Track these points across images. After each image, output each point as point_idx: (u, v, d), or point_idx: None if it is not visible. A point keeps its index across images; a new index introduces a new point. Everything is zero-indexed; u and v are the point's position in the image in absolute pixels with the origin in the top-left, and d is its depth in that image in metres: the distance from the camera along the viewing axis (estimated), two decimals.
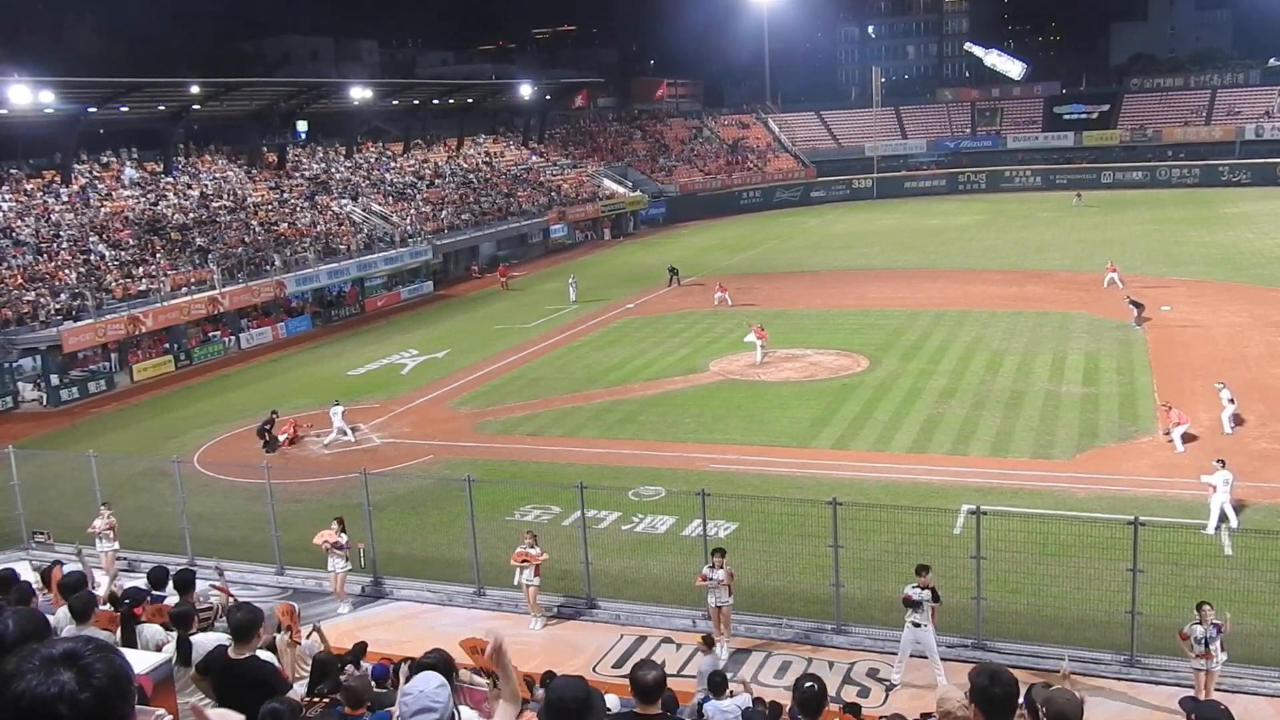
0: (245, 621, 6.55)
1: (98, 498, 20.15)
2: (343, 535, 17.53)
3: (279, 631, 10.93)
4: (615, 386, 31.73)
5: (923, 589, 13.73)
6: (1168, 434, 23.00)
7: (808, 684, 6.41)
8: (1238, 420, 23.89)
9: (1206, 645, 12.64)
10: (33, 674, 2.05)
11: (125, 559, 19.33)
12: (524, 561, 16.40)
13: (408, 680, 4.04)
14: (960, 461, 23.19)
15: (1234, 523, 18.43)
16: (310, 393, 30.40)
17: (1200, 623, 12.71)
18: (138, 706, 2.40)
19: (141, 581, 11.95)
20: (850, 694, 13.64)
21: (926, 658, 13.98)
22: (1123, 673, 14.11)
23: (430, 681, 3.97)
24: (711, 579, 15.10)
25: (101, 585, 16.00)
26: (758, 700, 10.96)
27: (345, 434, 27.53)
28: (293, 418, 28.67)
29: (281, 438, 27.49)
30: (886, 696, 13.85)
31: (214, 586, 12.50)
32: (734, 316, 40.93)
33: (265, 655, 7.75)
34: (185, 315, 40.64)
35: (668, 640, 15.87)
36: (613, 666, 14.84)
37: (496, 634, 4.07)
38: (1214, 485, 18.56)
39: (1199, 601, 13.01)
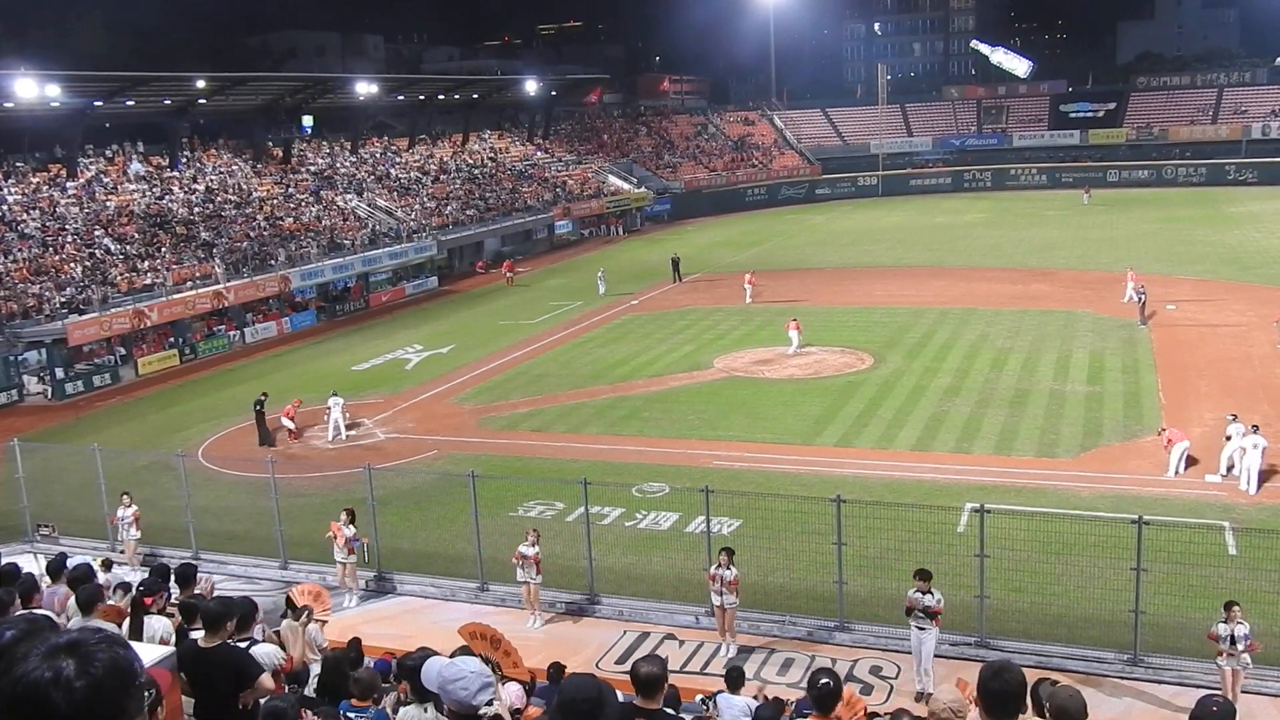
0: (216, 613, 6.63)
1: (103, 491, 20.21)
2: (350, 528, 17.56)
3: (284, 617, 10.95)
4: (619, 383, 31.74)
5: (924, 594, 13.67)
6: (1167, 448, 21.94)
7: (824, 680, 6.41)
8: (1265, 475, 20.39)
9: (1233, 642, 12.66)
10: (36, 659, 2.05)
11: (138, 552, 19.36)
12: (519, 561, 16.40)
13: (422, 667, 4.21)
14: (964, 460, 23.18)
15: (1253, 489, 19.80)
16: (315, 387, 30.45)
17: (1227, 621, 12.71)
18: None
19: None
20: (854, 691, 13.63)
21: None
22: (1126, 671, 14.11)
23: (470, 660, 4.11)
24: (719, 577, 15.06)
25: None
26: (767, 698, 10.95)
27: (339, 430, 27.47)
28: (297, 399, 28.65)
29: (286, 422, 27.43)
30: (890, 694, 13.85)
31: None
32: (741, 314, 40.94)
33: (272, 646, 7.79)
34: (190, 309, 40.69)
35: (671, 637, 15.88)
36: (616, 663, 14.86)
37: None
38: (1244, 446, 19.94)
39: (1227, 601, 12.99)
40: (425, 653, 6.58)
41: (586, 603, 17.05)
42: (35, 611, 7.09)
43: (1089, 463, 22.52)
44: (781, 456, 23.92)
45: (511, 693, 8.45)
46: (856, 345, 34.25)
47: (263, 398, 27.76)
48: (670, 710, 7.80)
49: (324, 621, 10.88)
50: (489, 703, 4.12)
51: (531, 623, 16.56)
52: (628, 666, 5.19)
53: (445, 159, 69.02)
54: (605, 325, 40.82)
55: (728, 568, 14.98)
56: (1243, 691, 12.98)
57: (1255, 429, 20.53)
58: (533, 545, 16.44)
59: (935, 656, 13.83)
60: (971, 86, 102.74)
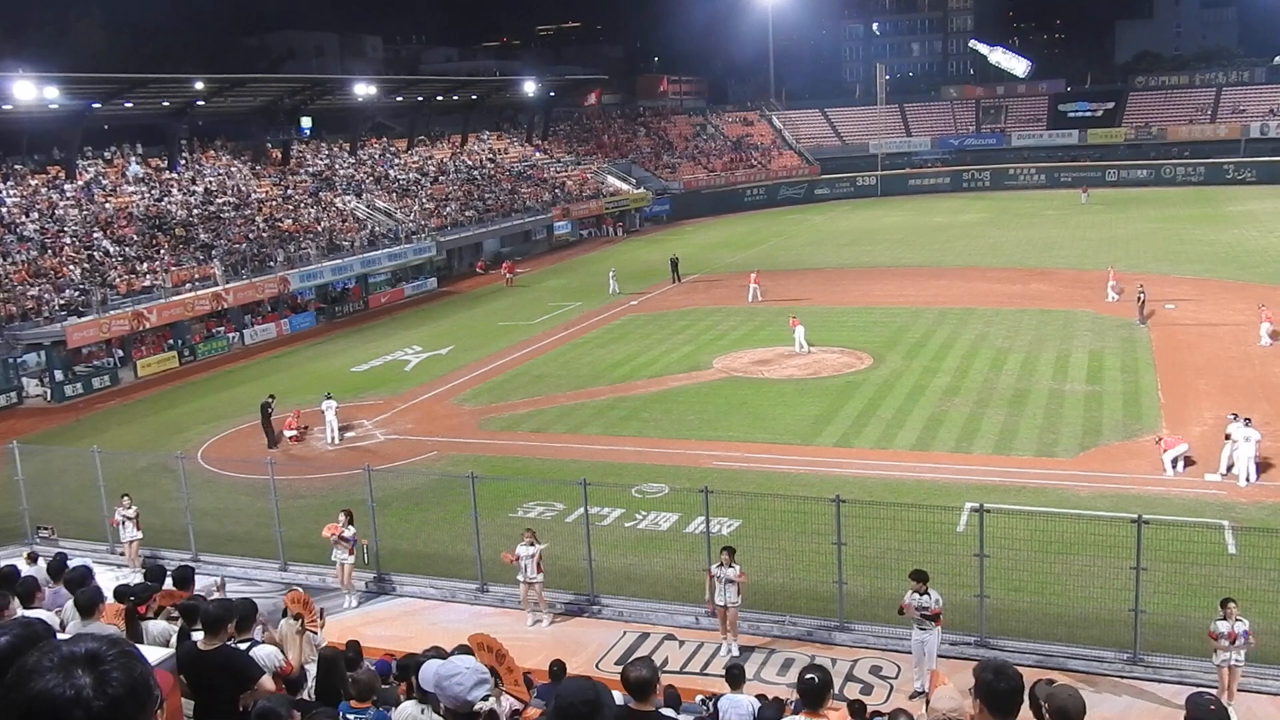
0: (216, 615, 6.62)
1: (102, 493, 20.20)
2: (350, 528, 17.54)
3: (284, 617, 10.96)
4: (619, 383, 31.74)
5: (921, 594, 13.63)
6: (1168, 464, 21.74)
7: (809, 675, 6.42)
8: (1262, 467, 21.06)
9: (1233, 640, 12.67)
10: (52, 673, 2.01)
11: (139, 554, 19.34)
12: (514, 561, 16.37)
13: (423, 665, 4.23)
14: (963, 459, 23.18)
15: (1253, 477, 20.30)
16: (315, 389, 30.44)
17: (1225, 619, 12.72)
18: None
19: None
20: (853, 691, 13.64)
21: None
22: (1126, 670, 14.11)
23: (465, 658, 4.13)
24: (720, 577, 15.06)
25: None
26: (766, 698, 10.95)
27: (334, 431, 27.40)
28: (296, 409, 28.66)
29: (289, 433, 27.44)
30: (890, 693, 13.85)
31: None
32: (740, 314, 40.96)
33: (271, 648, 7.79)
34: (189, 311, 40.69)
35: (670, 637, 15.87)
36: (615, 663, 14.85)
37: None
38: (1237, 439, 20.29)
39: (1224, 599, 13.01)
40: (434, 653, 6.58)
41: (586, 603, 17.04)
42: (28, 615, 7.08)
43: (1088, 462, 22.53)
44: (781, 457, 23.92)
45: (508, 702, 8.46)
46: (855, 345, 34.25)
47: (270, 399, 27.73)
48: (670, 710, 7.81)
49: (314, 632, 10.87)
50: (484, 698, 4.14)
51: (530, 621, 16.52)
52: None
53: (444, 160, 69.02)
54: (605, 326, 40.82)
55: (730, 566, 14.97)
56: (1240, 690, 12.98)
57: (1248, 421, 20.80)
58: (529, 545, 16.40)
59: (936, 656, 13.80)
60: (970, 86, 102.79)
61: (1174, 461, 21.30)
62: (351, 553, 17.60)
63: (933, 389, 28.77)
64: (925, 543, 16.56)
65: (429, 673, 4.26)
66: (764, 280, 44.49)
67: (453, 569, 18.50)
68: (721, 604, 15.18)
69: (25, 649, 2.46)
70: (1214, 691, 11.99)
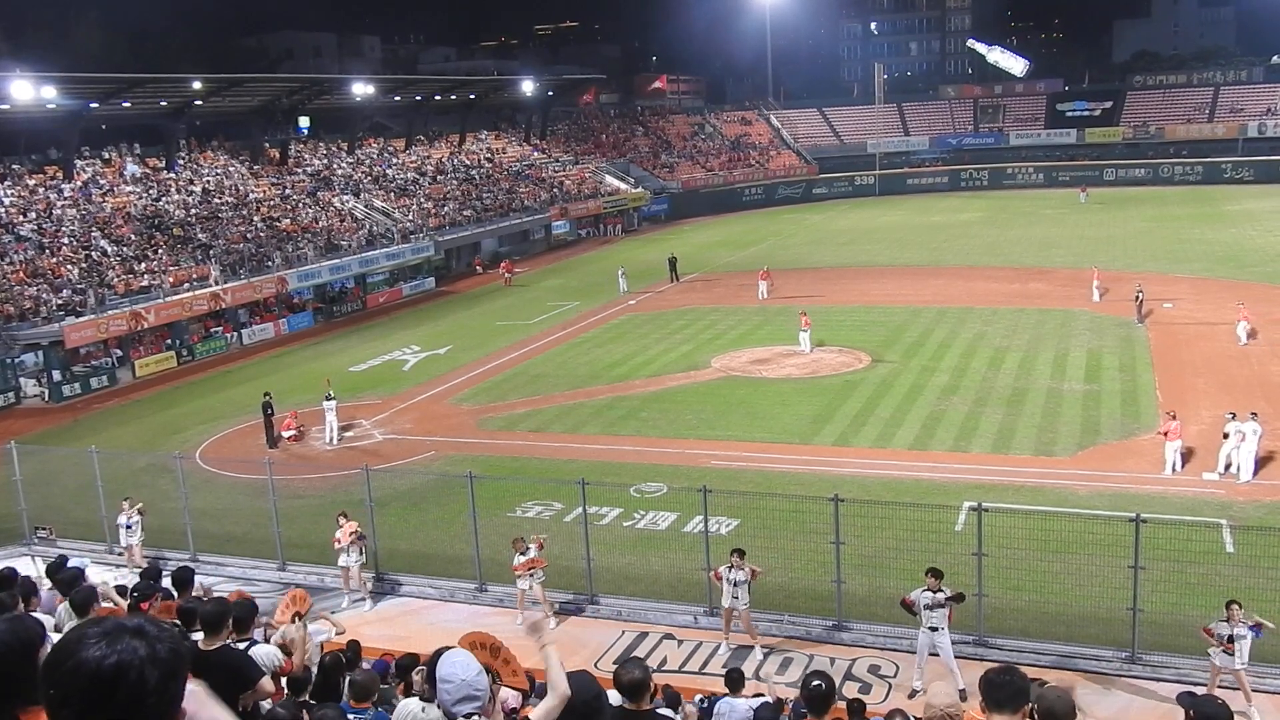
0: (215, 614, 6.59)
1: (100, 493, 20.18)
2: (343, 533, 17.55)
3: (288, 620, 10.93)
4: (617, 383, 31.74)
5: (935, 592, 13.61)
6: (1165, 433, 22.05)
7: (815, 682, 6.42)
8: (1261, 463, 21.17)
9: (1231, 640, 12.65)
10: (104, 641, 2.03)
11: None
12: (530, 569, 16.33)
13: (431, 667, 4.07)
14: (962, 458, 23.19)
15: (1246, 475, 20.36)
16: (313, 389, 30.43)
17: (1227, 620, 12.71)
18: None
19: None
20: (852, 690, 13.63)
21: (939, 656, 13.85)
22: (1124, 669, 14.12)
23: (469, 668, 3.95)
24: (729, 579, 14.99)
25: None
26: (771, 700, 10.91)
27: (333, 431, 27.34)
28: (294, 409, 28.65)
29: (286, 434, 27.42)
30: (888, 693, 13.85)
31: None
32: (739, 314, 40.94)
33: (270, 647, 7.78)
34: (187, 311, 40.66)
35: (669, 636, 15.87)
36: (614, 663, 14.84)
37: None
38: (1244, 433, 20.38)
39: (1228, 600, 13.00)
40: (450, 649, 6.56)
41: (585, 602, 17.04)
42: (19, 613, 7.06)
43: (1087, 461, 22.54)
44: (779, 456, 23.92)
45: (509, 695, 8.44)
46: (854, 344, 34.23)
47: (268, 398, 27.64)
48: (668, 710, 7.80)
49: (321, 620, 10.85)
50: (469, 715, 4.01)
51: (520, 620, 16.44)
52: None
53: (442, 159, 68.98)
54: (603, 325, 40.81)
55: (739, 569, 14.92)
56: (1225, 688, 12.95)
57: (1253, 415, 21.04)
58: (521, 554, 16.34)
59: (931, 655, 13.80)
60: (968, 86, 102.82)
61: (1173, 461, 21.27)
62: (362, 552, 17.60)
63: (931, 388, 28.79)
64: (924, 542, 16.54)
65: (445, 664, 4.20)
66: (770, 278, 44.36)
67: (451, 569, 18.49)
68: (729, 606, 15.09)
69: (16, 645, 2.44)
70: (1203, 689, 11.99)
